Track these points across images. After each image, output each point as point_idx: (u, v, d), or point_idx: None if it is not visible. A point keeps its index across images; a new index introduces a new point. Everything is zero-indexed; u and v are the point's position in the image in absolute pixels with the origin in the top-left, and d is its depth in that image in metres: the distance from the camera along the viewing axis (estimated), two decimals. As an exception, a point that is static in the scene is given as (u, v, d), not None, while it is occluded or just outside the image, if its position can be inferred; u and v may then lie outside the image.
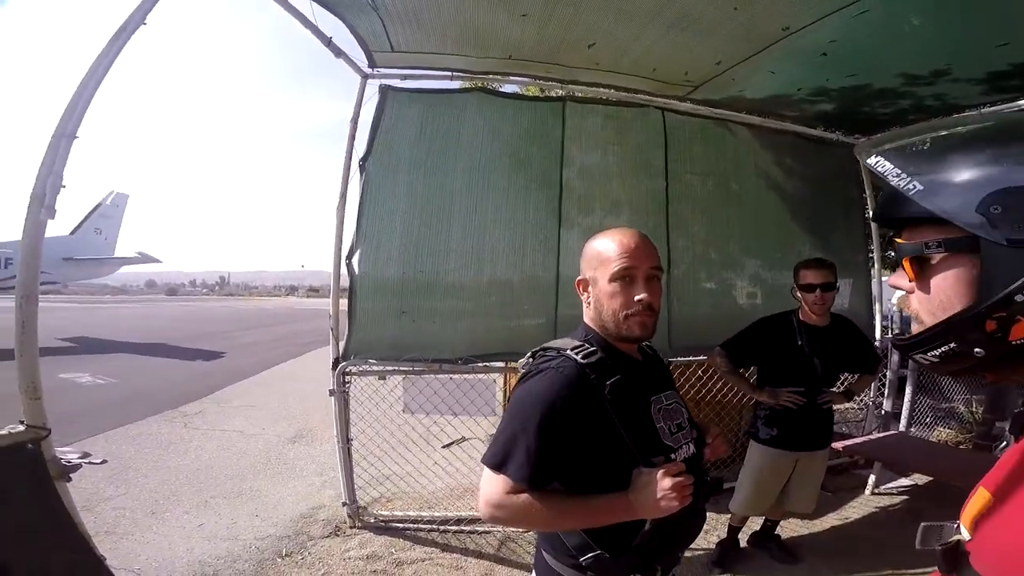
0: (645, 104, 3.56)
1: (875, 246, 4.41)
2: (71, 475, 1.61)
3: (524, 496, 1.11)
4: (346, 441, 3.18)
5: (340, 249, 3.07)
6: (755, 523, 3.07)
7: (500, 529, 3.22)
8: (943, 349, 0.61)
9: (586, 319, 1.30)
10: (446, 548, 3.10)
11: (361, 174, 3.06)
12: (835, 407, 2.79)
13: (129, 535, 3.22)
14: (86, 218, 21.83)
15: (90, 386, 7.85)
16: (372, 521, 3.33)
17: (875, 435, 4.08)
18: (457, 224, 3.21)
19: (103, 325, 17.73)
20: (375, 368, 3.16)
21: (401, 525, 3.30)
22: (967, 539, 0.65)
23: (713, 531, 3.09)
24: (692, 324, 3.65)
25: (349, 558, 2.97)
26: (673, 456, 1.20)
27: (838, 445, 3.68)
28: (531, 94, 3.76)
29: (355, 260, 3.05)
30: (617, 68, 3.15)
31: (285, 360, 11.31)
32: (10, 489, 1.45)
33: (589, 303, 1.27)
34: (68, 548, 1.59)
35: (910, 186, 0.60)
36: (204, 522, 3.43)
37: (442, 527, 3.27)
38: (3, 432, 1.46)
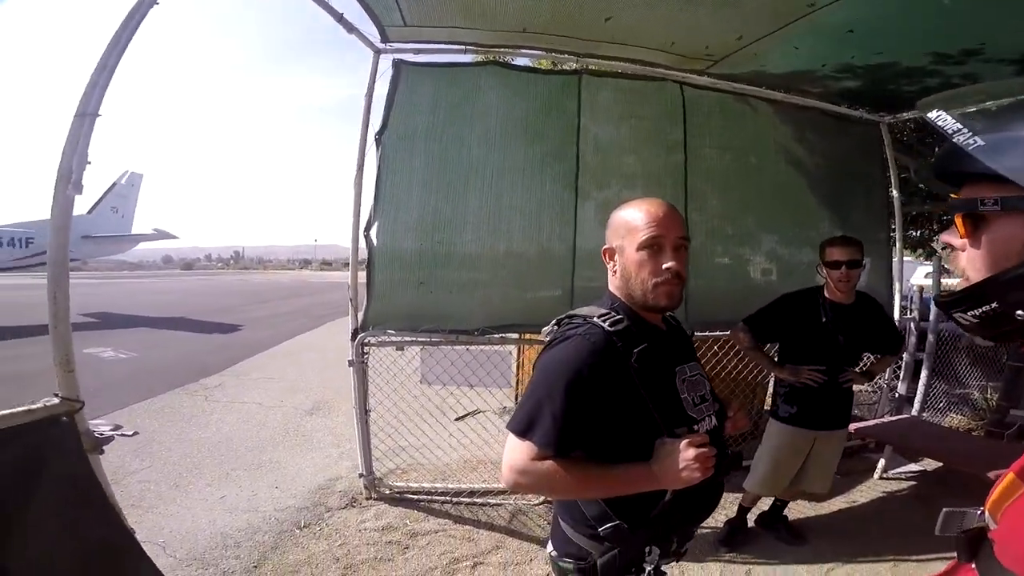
0: (662, 78, 3.49)
1: (897, 225, 4.31)
2: (104, 447, 1.65)
3: (548, 463, 1.11)
4: (364, 412, 3.23)
5: (358, 221, 3.08)
6: (763, 504, 3.08)
7: (511, 501, 3.28)
8: (984, 309, 0.60)
9: (611, 288, 1.29)
10: (459, 520, 3.16)
11: (377, 148, 3.06)
12: (853, 388, 2.77)
13: (154, 508, 3.29)
14: (102, 198, 22.16)
15: (113, 360, 8.03)
16: (388, 492, 3.38)
17: (888, 418, 4.07)
18: (473, 196, 3.20)
19: (122, 300, 18.08)
20: (393, 339, 3.20)
21: (416, 496, 3.36)
22: (992, 527, 0.65)
23: (721, 510, 3.08)
24: (708, 299, 3.62)
25: (365, 529, 3.03)
26: (696, 428, 1.21)
27: (851, 427, 3.68)
28: (544, 67, 3.70)
29: (373, 232, 3.06)
30: (634, 42, 3.07)
31: (301, 332, 11.45)
32: (47, 461, 1.48)
33: (616, 272, 1.26)
34: (103, 522, 1.62)
35: (970, 141, 0.58)
36: (226, 494, 3.51)
37: (455, 499, 3.33)
38: (38, 405, 1.49)
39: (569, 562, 1.27)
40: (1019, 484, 0.62)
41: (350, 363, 3.14)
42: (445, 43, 3.16)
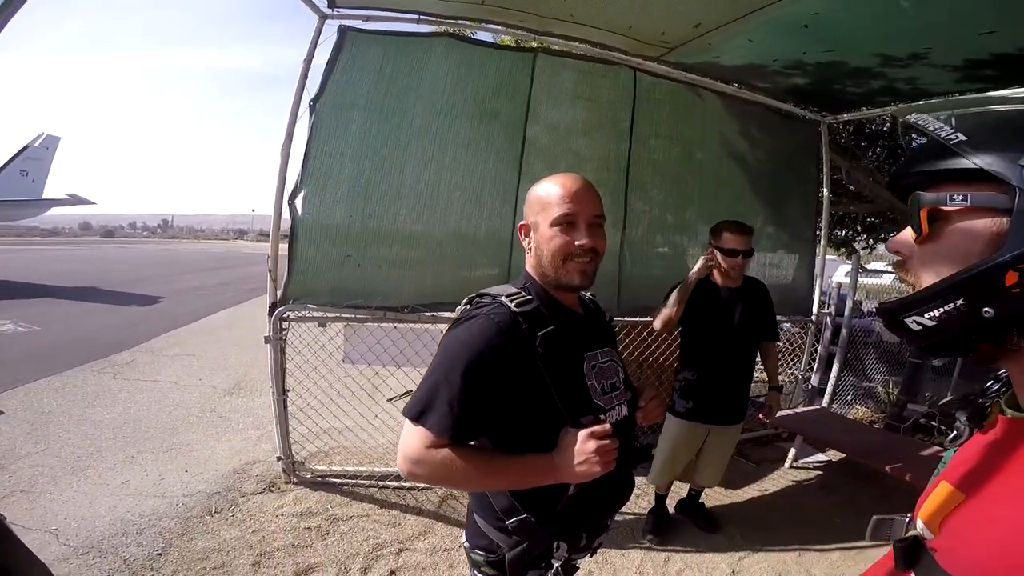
0: (617, 62, 3.47)
1: (824, 223, 4.52)
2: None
3: (444, 451, 1.05)
4: (282, 392, 3.06)
5: (283, 189, 2.87)
6: (682, 490, 3.18)
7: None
8: (947, 308, 0.57)
9: (528, 267, 1.25)
10: (385, 504, 3.07)
11: (311, 114, 2.87)
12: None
13: (47, 493, 3.04)
14: (10, 160, 20.68)
15: (11, 334, 7.25)
16: (308, 476, 3.26)
17: (800, 409, 4.30)
18: (411, 169, 3.07)
19: (29, 268, 16.38)
20: (315, 314, 3.03)
21: (339, 481, 3.25)
22: (929, 536, 0.63)
23: (644, 496, 3.18)
24: (642, 285, 3.68)
25: (282, 514, 2.91)
26: (603, 417, 1.16)
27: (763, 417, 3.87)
28: (505, 44, 3.61)
29: (298, 201, 2.88)
30: (593, 22, 3.02)
31: (229, 306, 10.83)
32: None
33: (530, 249, 1.22)
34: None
35: (952, 136, 0.58)
36: (129, 479, 3.28)
37: (381, 483, 3.23)
38: None
39: (480, 554, 1.23)
40: (957, 494, 0.62)
41: (267, 339, 2.95)
42: (397, 11, 2.99)
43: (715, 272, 2.67)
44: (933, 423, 4.66)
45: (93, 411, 4.44)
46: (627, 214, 3.66)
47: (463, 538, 1.32)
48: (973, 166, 0.56)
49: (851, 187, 6.47)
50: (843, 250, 8.13)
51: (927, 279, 0.60)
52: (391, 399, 4.11)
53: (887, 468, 3.08)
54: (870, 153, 6.44)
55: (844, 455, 3.91)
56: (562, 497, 1.14)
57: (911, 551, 0.66)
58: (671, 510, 3.13)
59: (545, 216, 1.16)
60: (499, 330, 1.08)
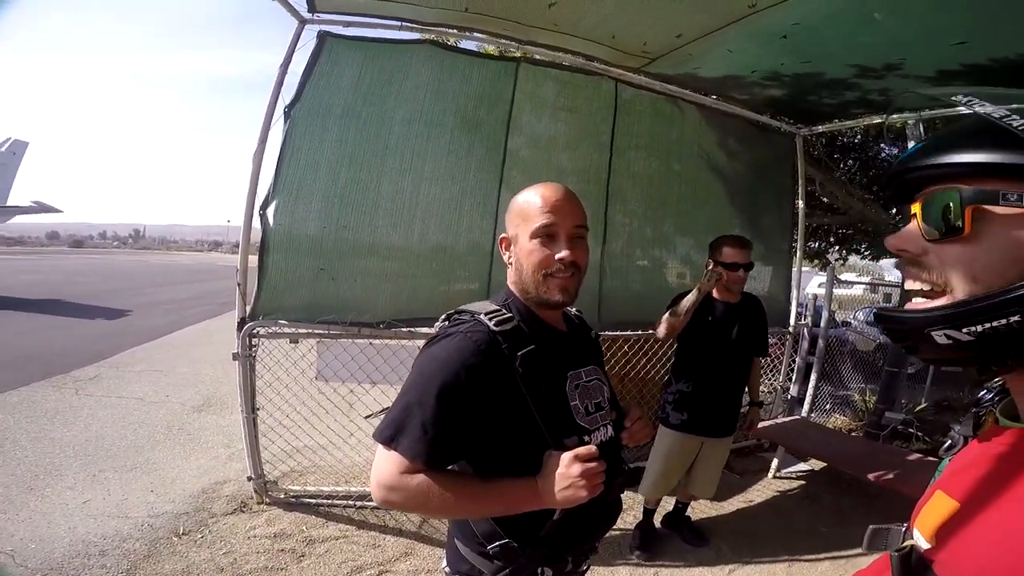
0: (600, 73, 3.48)
1: (800, 235, 4.60)
2: None
3: (420, 477, 0.99)
4: (251, 410, 2.94)
5: (254, 199, 2.78)
6: (668, 503, 3.14)
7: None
8: (999, 322, 0.51)
9: (509, 282, 1.19)
10: (363, 525, 2.97)
11: (285, 121, 2.79)
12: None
13: (1, 514, 2.88)
14: None
15: (-36, 347, 6.95)
16: (282, 497, 3.13)
17: (781, 419, 4.32)
18: (389, 179, 3.00)
19: (-12, 278, 15.87)
20: (286, 330, 2.91)
21: (314, 501, 3.13)
22: (926, 547, 0.61)
23: (631, 510, 3.13)
24: (623, 299, 3.67)
25: (255, 536, 2.79)
26: (587, 439, 1.10)
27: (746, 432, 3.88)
28: (487, 53, 3.59)
29: (270, 211, 2.79)
30: (576, 32, 3.02)
31: (200, 320, 10.50)
32: None
33: (511, 263, 1.17)
34: None
35: (1013, 121, 0.50)
36: (90, 499, 3.11)
37: (359, 503, 3.12)
38: None
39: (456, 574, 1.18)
40: (954, 504, 0.59)
41: (235, 356, 2.84)
42: (379, 17, 2.94)
43: (720, 288, 2.68)
44: (911, 430, 4.74)
45: (52, 428, 4.22)
46: (607, 227, 3.65)
47: (443, 563, 1.25)
48: None
49: (824, 199, 6.61)
50: (816, 262, 8.29)
51: (961, 285, 0.54)
52: (368, 416, 4.01)
53: (869, 476, 3.09)
54: (842, 165, 6.58)
55: (825, 464, 3.92)
56: (546, 521, 1.08)
57: (908, 562, 0.63)
58: (657, 524, 3.09)
59: (525, 228, 1.11)
60: (477, 349, 1.03)
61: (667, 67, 3.40)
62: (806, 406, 4.63)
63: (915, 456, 3.43)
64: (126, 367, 6.41)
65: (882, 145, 6.34)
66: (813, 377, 4.65)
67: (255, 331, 2.86)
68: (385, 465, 1.01)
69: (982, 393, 0.70)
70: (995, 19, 2.36)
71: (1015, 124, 0.50)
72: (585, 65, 3.43)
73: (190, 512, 3.00)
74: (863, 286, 9.58)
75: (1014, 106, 0.52)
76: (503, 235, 1.19)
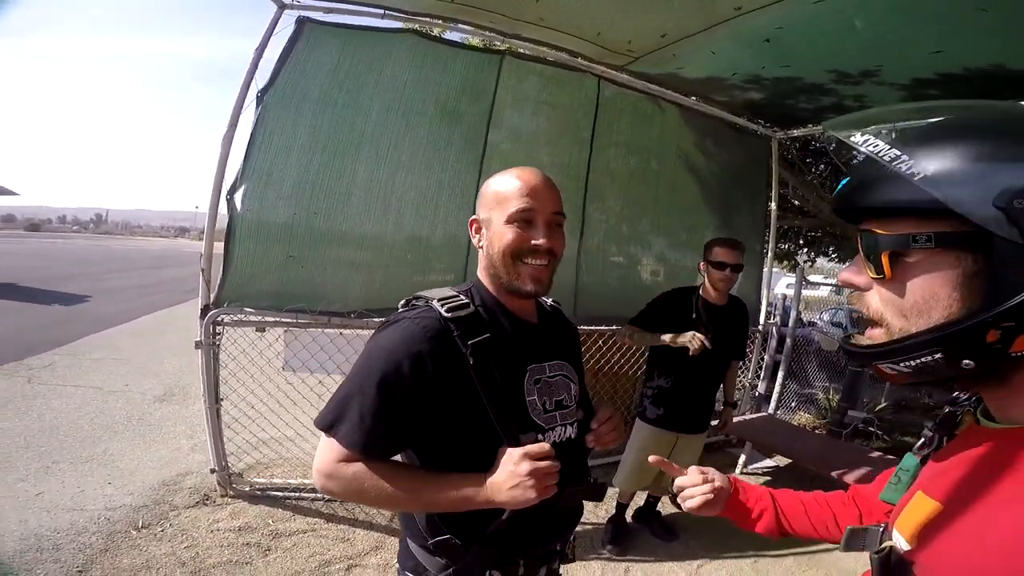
0: (583, 70, 3.47)
1: (771, 237, 4.69)
2: None
3: (357, 466, 0.95)
4: (215, 401, 2.85)
5: (222, 183, 2.68)
6: (639, 498, 3.17)
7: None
8: (925, 359, 0.55)
9: (479, 269, 1.14)
10: (332, 518, 2.92)
11: (258, 106, 2.70)
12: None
13: (-51, 507, 2.73)
14: None
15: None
16: (247, 489, 3.06)
17: (748, 416, 4.40)
18: (364, 167, 2.93)
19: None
20: (252, 318, 2.82)
21: (281, 494, 3.06)
22: (906, 548, 0.61)
23: (601, 506, 3.15)
24: (598, 295, 3.69)
25: (218, 530, 2.71)
26: (541, 437, 1.05)
27: (716, 423, 3.95)
28: (471, 45, 3.55)
29: (238, 197, 2.69)
30: (562, 27, 3.00)
31: (163, 307, 10.20)
32: None
33: (482, 247, 1.11)
34: None
35: (914, 170, 0.52)
36: (43, 491, 2.98)
37: (328, 496, 3.08)
38: None
39: (406, 572, 1.12)
40: (936, 505, 0.60)
41: (197, 344, 2.74)
42: (361, 4, 2.87)
43: (707, 287, 2.72)
44: (871, 428, 4.89)
45: (3, 418, 4.03)
46: (584, 223, 3.66)
47: (396, 560, 1.20)
48: (936, 204, 0.51)
49: (796, 202, 6.76)
50: (785, 263, 8.47)
51: (894, 321, 0.58)
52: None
53: (833, 474, 3.17)
54: (814, 169, 6.73)
55: (790, 460, 4.01)
56: (493, 518, 1.02)
57: (888, 562, 0.64)
58: (628, 519, 3.12)
59: (500, 211, 1.05)
60: (424, 336, 0.97)
61: (650, 66, 3.42)
62: (773, 403, 4.73)
63: (876, 454, 3.53)
64: (83, 355, 6.16)
65: (853, 151, 6.48)
66: (780, 375, 4.75)
67: (219, 319, 2.78)
68: (323, 452, 0.98)
69: (956, 393, 0.71)
70: (969, 30, 2.42)
71: (904, 168, 0.52)
72: (569, 61, 3.42)
73: (150, 505, 2.91)
74: (829, 288, 9.87)
75: (901, 138, 0.54)
76: (473, 217, 1.12)
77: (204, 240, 2.80)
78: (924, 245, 0.54)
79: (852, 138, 0.57)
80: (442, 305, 1.01)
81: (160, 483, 3.15)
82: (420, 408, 0.97)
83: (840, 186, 0.63)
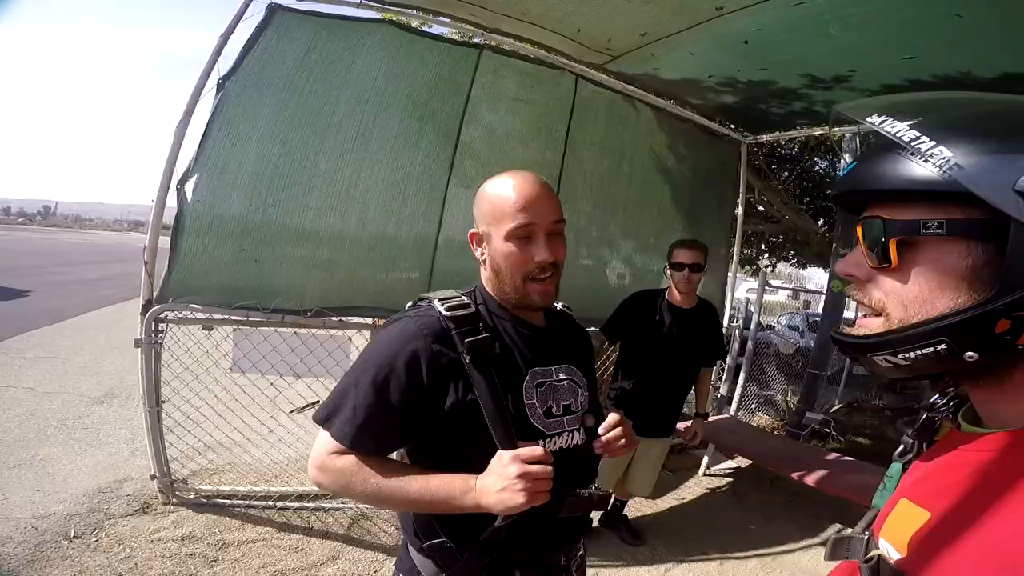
0: (562, 67, 3.43)
1: (737, 241, 4.74)
2: None
3: (348, 459, 0.97)
4: (155, 403, 2.66)
5: (171, 173, 2.52)
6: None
7: (351, 505, 2.96)
8: (928, 350, 0.52)
9: (483, 279, 1.12)
10: (285, 527, 2.77)
11: (217, 93, 2.55)
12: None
13: None
14: None
15: None
16: (191, 497, 2.89)
17: (711, 418, 4.44)
18: (327, 159, 2.80)
19: None
20: (199, 316, 2.66)
21: (228, 501, 2.90)
22: (896, 557, 0.59)
23: None
24: (567, 297, 3.62)
25: (159, 539, 2.54)
26: (542, 443, 1.01)
27: (680, 425, 3.95)
28: (449, 38, 3.46)
29: (189, 186, 2.54)
30: (543, 23, 2.96)
31: (110, 303, 9.68)
32: None
33: (484, 261, 1.09)
34: None
35: (934, 152, 0.49)
36: (-37, 499, 2.74)
37: (280, 503, 2.92)
38: None
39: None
40: (922, 512, 0.58)
41: (137, 342, 2.56)
42: None
43: (672, 289, 2.70)
44: (827, 430, 5.02)
45: (-79, 421, 3.71)
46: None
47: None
48: (951, 187, 0.49)
49: (760, 207, 6.90)
50: (748, 268, 8.67)
51: (895, 311, 0.56)
52: (294, 411, 3.77)
53: (793, 475, 3.20)
54: (779, 175, 6.89)
55: (751, 462, 4.07)
56: (489, 524, 0.99)
57: (878, 573, 0.61)
58: (595, 523, 3.07)
59: (498, 228, 1.03)
60: (420, 334, 0.98)
61: (628, 66, 3.41)
62: (734, 405, 4.79)
63: (832, 456, 3.61)
64: (17, 353, 5.77)
65: (816, 159, 6.72)
66: (741, 377, 4.82)
67: (162, 316, 2.60)
68: (318, 444, 1.00)
69: (935, 398, 0.70)
70: (942, 36, 2.48)
71: (924, 148, 0.50)
72: (548, 58, 3.38)
73: (83, 513, 2.71)
74: (786, 292, 10.17)
75: (926, 124, 0.51)
76: (472, 230, 1.11)
77: (148, 232, 2.61)
78: (935, 232, 0.51)
79: (869, 118, 0.55)
80: (442, 304, 1.01)
81: (96, 490, 2.94)
82: (414, 405, 0.97)
83: (846, 169, 0.60)
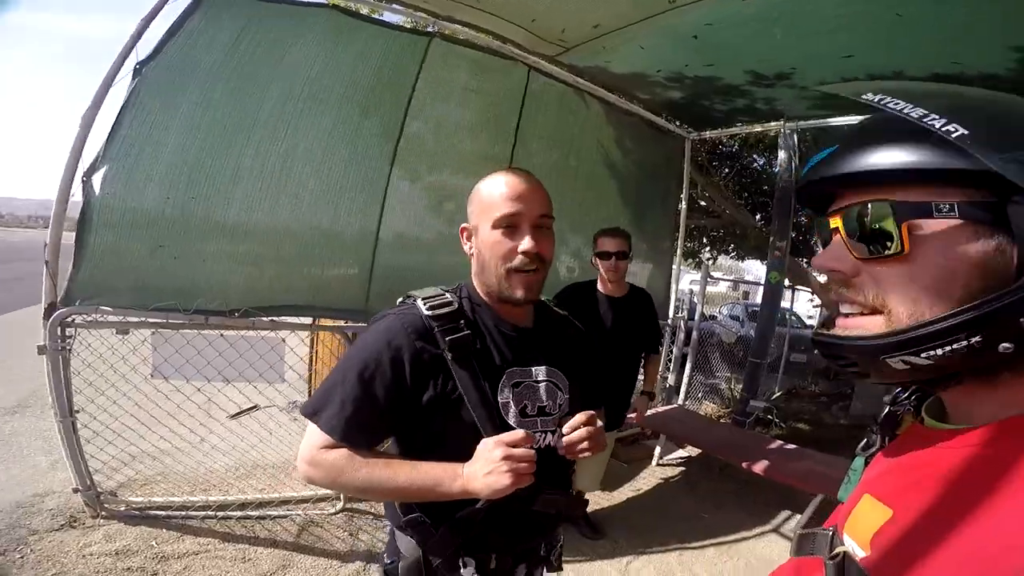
0: (514, 58, 3.38)
1: (681, 235, 4.88)
2: None
3: (338, 452, 1.01)
4: (68, 413, 2.45)
5: (76, 164, 2.29)
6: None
7: (300, 512, 2.86)
8: (958, 345, 0.47)
9: (472, 274, 1.16)
10: (228, 538, 2.64)
11: (134, 78, 2.33)
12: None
13: None
14: None
15: None
16: (122, 509, 2.70)
17: (660, 408, 4.55)
18: (256, 149, 2.63)
19: None
20: (111, 318, 2.44)
21: (163, 513, 2.74)
22: (861, 555, 0.57)
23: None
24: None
25: (91, 554, 2.38)
26: None
27: (631, 416, 4.02)
28: (397, 25, 3.33)
29: (97, 178, 2.32)
30: (498, 11, 2.91)
31: (21, 306, 8.96)
32: None
33: (472, 255, 1.14)
34: None
35: (950, 127, 0.45)
36: None
37: (221, 513, 2.77)
38: None
39: (389, 562, 1.16)
40: (885, 509, 0.55)
41: (41, 349, 2.33)
42: None
43: (602, 279, 2.66)
44: (769, 417, 5.24)
45: None
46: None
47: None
48: (965, 166, 0.46)
49: (702, 202, 7.14)
50: (690, 260, 8.97)
51: (901, 307, 0.51)
52: (234, 416, 3.57)
53: (743, 465, 3.30)
54: (719, 172, 7.14)
55: (699, 451, 4.20)
56: (467, 504, 1.04)
57: (843, 570, 0.60)
58: None
59: (486, 218, 1.07)
60: (404, 331, 1.03)
61: (580, 58, 3.41)
62: (682, 394, 4.93)
63: (776, 443, 3.75)
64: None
65: (754, 155, 7.01)
66: (688, 367, 4.96)
67: (70, 319, 2.37)
68: (306, 439, 1.04)
69: (896, 391, 0.68)
70: (881, 36, 2.59)
71: (937, 125, 0.46)
72: (501, 48, 3.31)
73: (3, 529, 2.51)
74: (727, 283, 10.61)
75: (931, 103, 0.48)
76: (464, 225, 1.15)
77: (51, 227, 2.36)
78: (947, 215, 0.47)
79: (865, 96, 0.51)
80: (425, 304, 1.06)
81: (14, 505, 2.71)
82: (398, 400, 1.01)
83: (820, 156, 0.56)
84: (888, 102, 0.50)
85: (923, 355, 0.49)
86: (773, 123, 4.06)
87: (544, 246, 1.07)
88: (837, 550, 0.60)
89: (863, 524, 0.57)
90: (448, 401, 1.02)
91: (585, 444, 1.05)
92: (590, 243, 4.04)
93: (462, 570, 1.07)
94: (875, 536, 0.55)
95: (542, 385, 1.12)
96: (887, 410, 0.67)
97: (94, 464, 2.65)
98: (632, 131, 4.22)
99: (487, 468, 0.94)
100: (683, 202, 4.76)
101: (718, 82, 3.47)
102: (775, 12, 2.49)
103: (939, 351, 0.48)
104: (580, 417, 1.07)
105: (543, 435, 1.11)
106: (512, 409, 1.07)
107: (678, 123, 4.51)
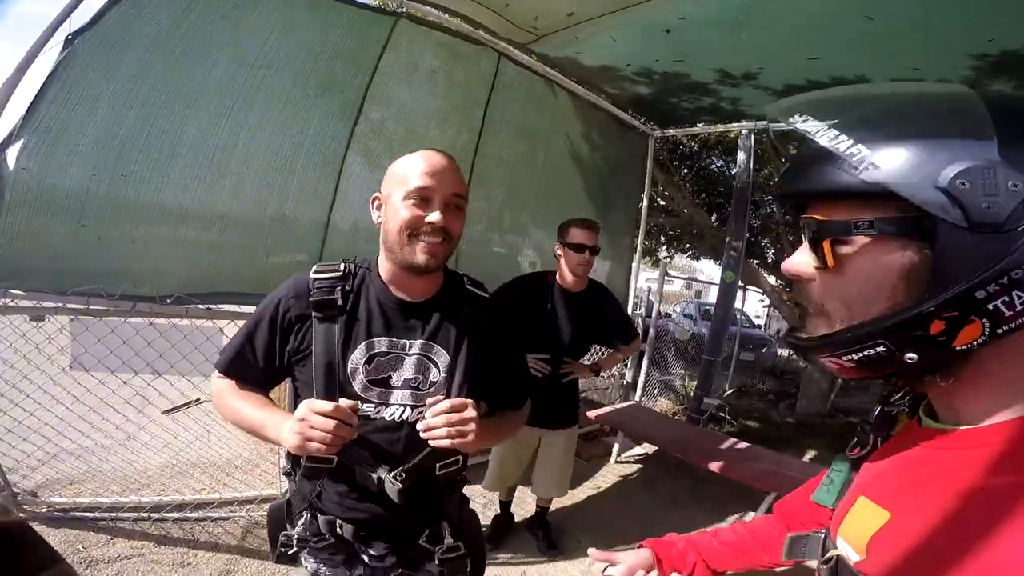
0: (485, 44, 3.26)
1: (641, 232, 4.91)
2: None
3: (224, 382, 1.20)
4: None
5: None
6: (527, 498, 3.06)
7: (243, 513, 2.72)
8: (868, 352, 0.52)
9: (380, 244, 1.17)
10: (164, 541, 2.47)
11: (64, 49, 2.10)
12: (581, 381, 2.75)
13: None
14: None
15: None
16: (44, 511, 2.50)
17: (618, 405, 4.58)
18: (197, 125, 2.43)
19: None
20: (23, 304, 2.22)
21: (91, 514, 2.54)
22: (856, 558, 0.58)
23: (491, 505, 3.05)
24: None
25: (10, 559, 2.15)
26: (360, 406, 1.07)
27: (591, 414, 4.04)
28: (363, 3, 3.14)
29: (11, 152, 2.09)
30: None
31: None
32: None
33: (379, 223, 1.16)
34: None
35: (854, 150, 0.50)
36: None
37: (156, 514, 2.60)
38: None
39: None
40: (882, 512, 0.57)
41: (-61, 338, 2.11)
42: None
43: (563, 272, 2.50)
44: (722, 414, 5.37)
45: None
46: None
47: None
48: (878, 187, 0.49)
49: (662, 201, 7.23)
50: (648, 258, 9.11)
51: (837, 313, 0.56)
52: (169, 410, 3.36)
53: (704, 465, 3.31)
54: (679, 171, 7.24)
55: (655, 448, 4.25)
56: (321, 462, 1.10)
57: (837, 573, 0.62)
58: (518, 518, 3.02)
59: (400, 189, 1.09)
60: (287, 293, 1.14)
61: (551, 48, 3.34)
62: (639, 391, 4.98)
63: (730, 441, 3.81)
64: None
65: (712, 156, 7.15)
66: (644, 364, 5.02)
67: None
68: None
69: (887, 392, 0.69)
70: (851, 39, 2.62)
71: (842, 148, 0.50)
72: (472, 32, 3.18)
73: None
74: (681, 282, 10.87)
75: (840, 120, 0.52)
76: (376, 194, 1.17)
77: None
78: (866, 231, 0.51)
79: (791, 119, 0.55)
80: (315, 269, 1.15)
81: (-80, 509, 2.45)
82: (271, 348, 1.14)
83: (783, 169, 0.61)
84: (809, 123, 0.53)
85: (844, 358, 0.54)
86: (735, 124, 4.12)
87: (452, 223, 1.09)
88: (830, 553, 0.62)
89: (859, 527, 0.58)
90: (301, 356, 1.13)
91: (443, 432, 1.02)
92: (549, 238, 3.99)
93: (296, 523, 1.18)
94: (872, 540, 0.56)
95: (412, 358, 1.13)
96: (879, 410, 0.68)
97: (6, 462, 2.44)
98: (599, 126, 4.20)
99: (290, 426, 1.00)
100: (644, 200, 4.79)
101: (686, 79, 3.47)
102: (747, 10, 2.50)
103: (855, 356, 0.53)
104: (447, 403, 1.05)
105: (400, 408, 1.12)
106: (360, 376, 1.10)
107: (643, 120, 4.53)
